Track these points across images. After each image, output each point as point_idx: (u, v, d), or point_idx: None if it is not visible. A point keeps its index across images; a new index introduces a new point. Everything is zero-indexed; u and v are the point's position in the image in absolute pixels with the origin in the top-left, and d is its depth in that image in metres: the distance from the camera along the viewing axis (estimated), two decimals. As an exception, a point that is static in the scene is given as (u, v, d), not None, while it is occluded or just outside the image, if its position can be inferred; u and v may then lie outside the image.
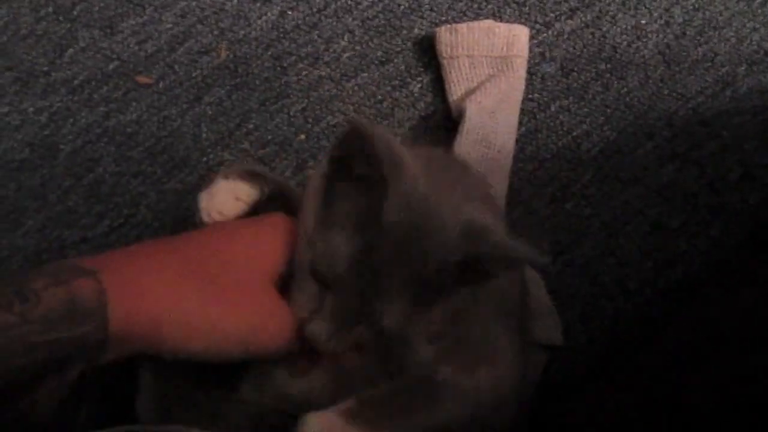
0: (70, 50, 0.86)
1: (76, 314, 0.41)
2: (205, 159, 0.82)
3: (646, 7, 0.86)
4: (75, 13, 0.88)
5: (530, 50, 0.84)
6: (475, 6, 0.86)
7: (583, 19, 0.86)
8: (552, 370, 0.73)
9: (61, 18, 0.88)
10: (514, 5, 0.86)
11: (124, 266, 0.45)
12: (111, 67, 0.85)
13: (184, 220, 0.80)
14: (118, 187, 0.81)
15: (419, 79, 0.85)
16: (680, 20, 0.86)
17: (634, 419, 0.62)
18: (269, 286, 0.51)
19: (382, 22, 0.86)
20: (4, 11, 0.88)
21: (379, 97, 0.84)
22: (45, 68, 0.85)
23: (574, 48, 0.85)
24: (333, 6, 0.87)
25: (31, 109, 0.84)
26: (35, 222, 0.80)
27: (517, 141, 0.81)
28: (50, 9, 0.88)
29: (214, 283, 0.48)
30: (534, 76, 0.84)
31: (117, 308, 0.42)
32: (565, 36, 0.85)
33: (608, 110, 0.83)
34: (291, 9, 0.87)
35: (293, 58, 0.85)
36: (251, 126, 0.83)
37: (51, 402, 0.43)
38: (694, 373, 0.64)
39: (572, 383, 0.73)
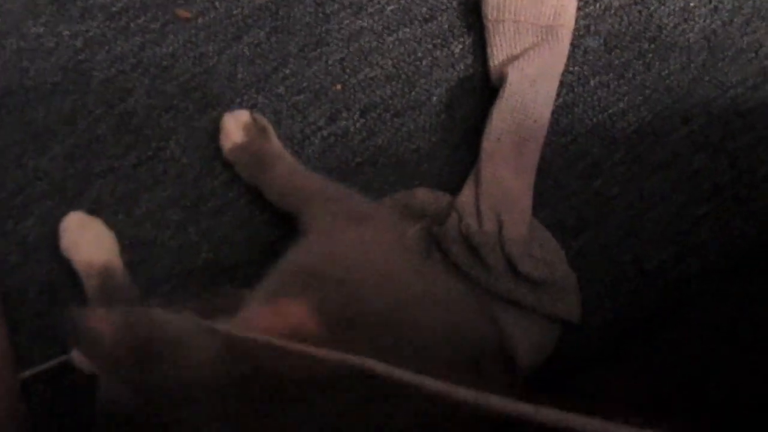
0: (108, -27, 0.84)
1: None
2: (238, 100, 0.81)
3: (696, -11, 0.85)
4: (114, -66, 0.86)
5: (576, 22, 0.82)
6: (525, -30, 0.84)
7: (633, -5, 0.84)
8: (563, 346, 0.75)
9: (99, -62, 0.85)
10: (564, -27, 0.84)
11: None
12: (150, -4, 0.83)
13: (212, 158, 0.80)
14: (149, 120, 0.80)
15: (461, 39, 0.83)
16: (729, 7, 0.84)
17: (641, 405, 0.64)
18: None
19: (429, -23, 0.84)
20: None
21: (419, 54, 0.83)
22: (82, -10, 0.83)
23: (620, 24, 0.84)
24: (379, -45, 0.85)
25: (66, 33, 0.82)
26: (63, 148, 0.80)
27: (552, 113, 0.81)
28: (89, -72, 0.86)
29: None
30: (576, 49, 0.83)
31: None
32: (612, 11, 0.84)
33: (647, 91, 0.83)
34: (337, -47, 0.85)
35: (336, 5, 0.83)
36: (288, 71, 0.82)
37: None
38: (704, 362, 0.65)
39: (582, 361, 0.75)
